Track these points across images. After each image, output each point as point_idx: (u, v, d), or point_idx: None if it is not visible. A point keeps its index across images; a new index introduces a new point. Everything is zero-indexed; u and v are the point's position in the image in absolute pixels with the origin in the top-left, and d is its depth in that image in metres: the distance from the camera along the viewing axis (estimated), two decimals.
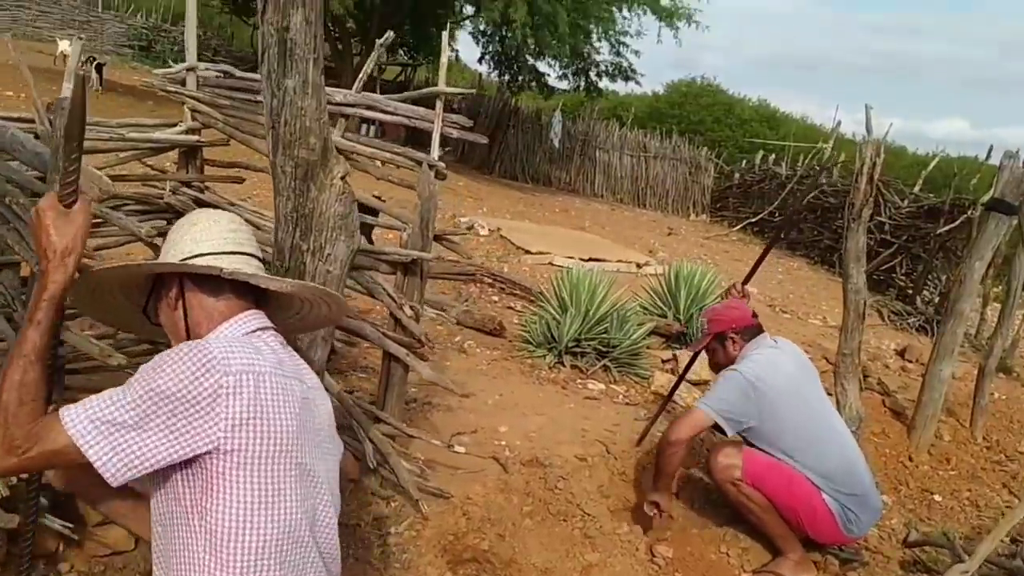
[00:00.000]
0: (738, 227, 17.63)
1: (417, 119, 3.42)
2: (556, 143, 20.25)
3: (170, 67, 4.23)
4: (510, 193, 16.50)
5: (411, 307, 3.39)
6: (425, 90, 3.45)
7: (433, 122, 3.37)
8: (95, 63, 16.06)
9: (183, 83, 4.05)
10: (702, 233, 16.70)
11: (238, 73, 3.92)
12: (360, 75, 3.58)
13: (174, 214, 3.96)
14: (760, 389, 3.58)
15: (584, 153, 20.62)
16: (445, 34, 3.44)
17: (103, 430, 1.44)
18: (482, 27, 18.88)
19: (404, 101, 3.45)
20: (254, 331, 1.70)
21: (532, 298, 7.01)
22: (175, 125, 3.91)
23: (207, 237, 1.75)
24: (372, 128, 15.32)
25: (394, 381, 3.54)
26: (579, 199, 18.60)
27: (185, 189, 4.04)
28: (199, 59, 4.05)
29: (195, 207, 4.00)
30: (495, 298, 7.26)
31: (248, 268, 1.74)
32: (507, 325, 6.34)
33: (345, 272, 2.26)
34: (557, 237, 11.40)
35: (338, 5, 14.69)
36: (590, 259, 10.33)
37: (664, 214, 19.84)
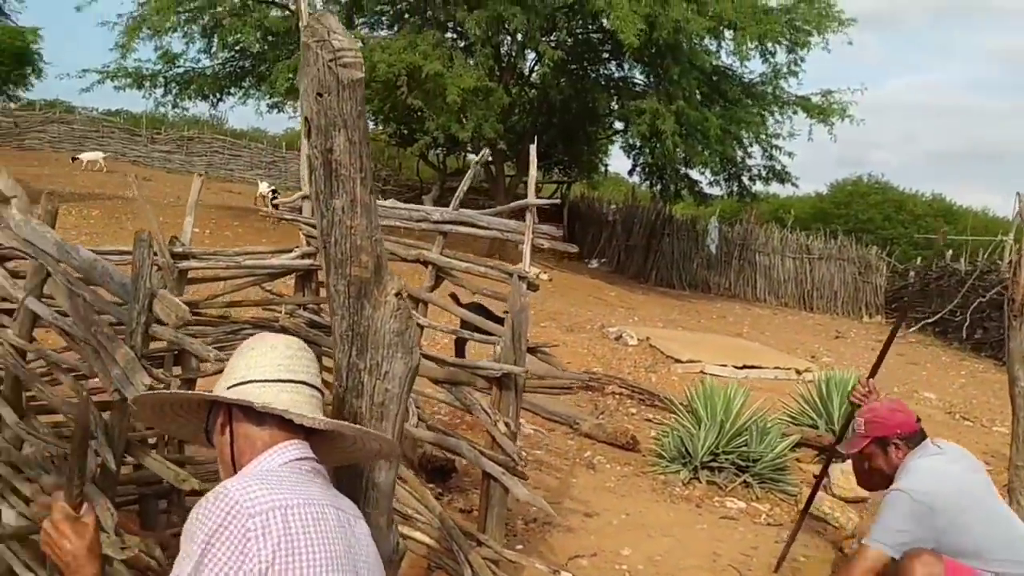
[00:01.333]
0: (915, 328, 16.44)
1: (509, 232, 3.41)
2: (713, 249, 19.95)
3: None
4: (665, 301, 16.22)
5: (505, 423, 3.28)
6: (515, 203, 3.45)
7: (524, 234, 3.34)
8: (272, 196, 17.65)
9: (300, 211, 4.25)
10: (874, 336, 15.64)
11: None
12: (457, 194, 3.63)
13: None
14: (936, 507, 3.09)
15: (743, 257, 20.16)
16: (533, 147, 3.44)
17: None
18: (631, 141, 19.12)
19: (496, 215, 3.45)
20: (291, 460, 1.66)
21: (672, 410, 6.70)
22: (291, 251, 4.08)
23: (260, 363, 1.74)
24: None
25: (493, 502, 3.40)
26: (739, 304, 18.02)
27: (300, 312, 4.18)
28: None
29: (309, 329, 4.12)
30: (633, 410, 6.98)
31: (297, 397, 1.71)
32: (643, 439, 6.06)
33: (405, 390, 2.18)
34: (710, 344, 10.98)
35: (490, 129, 15.31)
36: (744, 366, 9.85)
37: (832, 317, 18.87)
